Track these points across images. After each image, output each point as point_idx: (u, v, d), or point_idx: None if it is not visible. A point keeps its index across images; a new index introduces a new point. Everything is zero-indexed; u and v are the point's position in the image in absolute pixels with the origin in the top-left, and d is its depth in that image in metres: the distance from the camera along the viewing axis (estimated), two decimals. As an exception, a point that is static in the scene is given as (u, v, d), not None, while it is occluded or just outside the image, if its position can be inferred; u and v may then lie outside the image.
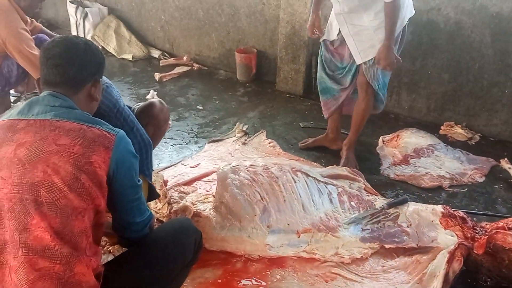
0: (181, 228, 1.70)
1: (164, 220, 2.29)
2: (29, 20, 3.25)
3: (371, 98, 2.83)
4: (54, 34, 3.36)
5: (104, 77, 1.98)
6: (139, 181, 1.48)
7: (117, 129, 1.41)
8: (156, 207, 2.36)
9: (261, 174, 2.40)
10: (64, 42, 1.44)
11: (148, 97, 3.77)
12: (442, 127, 3.43)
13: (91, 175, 1.29)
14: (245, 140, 3.29)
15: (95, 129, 1.34)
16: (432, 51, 3.37)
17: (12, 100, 3.58)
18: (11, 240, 1.23)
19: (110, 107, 1.87)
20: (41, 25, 3.47)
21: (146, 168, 2.06)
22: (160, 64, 4.69)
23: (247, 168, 2.43)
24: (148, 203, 2.21)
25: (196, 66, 4.65)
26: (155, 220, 1.63)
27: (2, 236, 1.25)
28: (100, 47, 4.32)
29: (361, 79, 2.77)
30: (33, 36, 3.12)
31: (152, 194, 2.07)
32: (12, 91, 3.57)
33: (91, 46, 1.48)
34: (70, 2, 5.08)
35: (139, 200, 1.49)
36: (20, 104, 1.44)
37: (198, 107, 3.84)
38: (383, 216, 2.40)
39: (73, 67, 1.41)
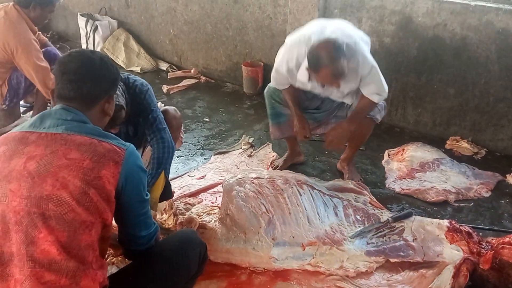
0: (186, 240, 1.70)
1: (170, 229, 2.29)
2: (37, 31, 3.30)
3: (370, 121, 2.68)
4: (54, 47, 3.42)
5: (143, 80, 2.13)
6: (146, 195, 1.48)
7: (127, 144, 1.41)
8: (162, 218, 2.36)
9: (266, 187, 2.41)
10: (80, 58, 1.43)
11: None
12: (448, 142, 3.41)
13: (99, 189, 1.29)
14: (251, 152, 3.30)
15: (106, 143, 1.34)
16: (438, 66, 3.37)
17: (22, 111, 3.63)
18: (17, 253, 1.24)
19: (154, 103, 2.21)
20: (46, 38, 3.53)
21: (169, 166, 2.23)
22: (168, 77, 4.74)
23: (252, 180, 2.43)
24: (153, 214, 2.23)
25: (203, 78, 4.69)
26: (160, 232, 1.63)
27: (9, 248, 1.25)
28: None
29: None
30: (42, 50, 3.17)
31: (167, 194, 2.08)
32: (22, 102, 3.61)
33: (107, 63, 1.47)
34: (81, 15, 5.17)
35: (146, 215, 1.49)
36: (33, 117, 1.43)
37: (205, 119, 3.86)
38: (388, 230, 2.39)
39: (88, 84, 1.41)
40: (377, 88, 2.51)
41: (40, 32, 3.38)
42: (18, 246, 1.24)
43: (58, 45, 5.44)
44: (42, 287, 1.22)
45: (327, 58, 2.22)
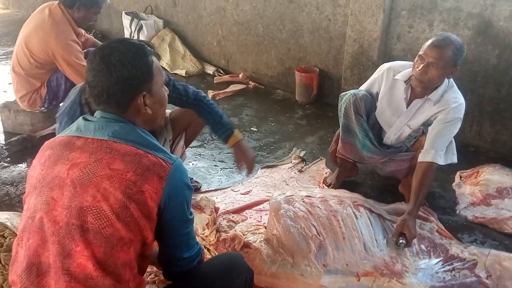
0: (231, 263, 1.70)
1: (211, 248, 2.31)
2: (82, 32, 3.47)
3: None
4: None
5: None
6: (191, 214, 1.50)
7: (174, 157, 1.43)
8: (203, 234, 2.39)
9: (318, 207, 2.38)
10: (100, 60, 1.43)
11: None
12: (531, 165, 3.26)
13: (141, 205, 1.32)
14: (302, 167, 3.28)
15: (152, 155, 1.37)
16: (522, 77, 3.24)
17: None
18: (53, 265, 1.29)
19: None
20: (93, 37, 3.70)
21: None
22: (214, 81, 4.82)
23: (303, 199, 2.42)
24: (195, 228, 2.27)
25: (252, 84, 4.74)
26: (204, 253, 1.65)
27: (47, 259, 1.30)
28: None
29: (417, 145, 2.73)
30: (85, 50, 3.33)
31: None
32: (61, 105, 3.79)
33: (123, 59, 1.43)
34: (126, 13, 5.38)
35: (188, 235, 1.51)
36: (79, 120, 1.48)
37: (252, 128, 3.89)
38: (458, 263, 2.30)
39: (110, 87, 1.41)
40: (448, 148, 2.57)
41: (86, 33, 3.56)
42: (54, 258, 1.29)
43: (101, 45, 5.69)
44: None
45: (444, 40, 2.41)
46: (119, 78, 1.41)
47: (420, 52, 2.45)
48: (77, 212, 1.29)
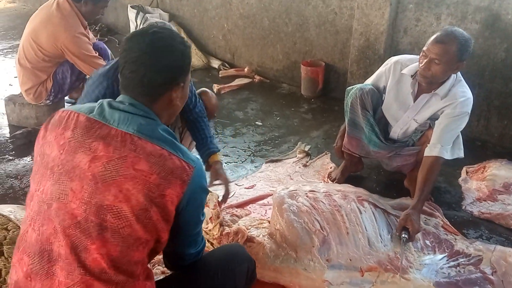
0: (233, 254, 1.71)
1: (214, 242, 2.32)
2: (87, 27, 3.49)
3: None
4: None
5: None
6: (203, 215, 1.50)
7: (195, 159, 1.40)
8: (207, 228, 2.39)
9: (322, 201, 2.38)
10: (141, 44, 1.40)
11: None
12: (538, 160, 3.23)
13: (161, 208, 1.31)
14: (307, 162, 3.27)
15: (175, 157, 1.34)
16: (530, 72, 3.21)
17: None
18: (66, 256, 1.28)
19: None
20: (92, 35, 3.71)
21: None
22: (220, 75, 4.82)
23: (306, 193, 2.41)
24: None
25: (257, 78, 4.73)
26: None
27: (58, 248, 1.29)
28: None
29: (424, 139, 2.70)
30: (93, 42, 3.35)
31: None
32: (67, 98, 3.81)
33: (173, 45, 1.43)
34: (131, 7, 5.38)
35: (197, 234, 1.52)
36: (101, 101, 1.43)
37: (257, 122, 3.89)
38: (463, 259, 2.29)
39: (149, 74, 1.39)
40: (454, 143, 2.55)
41: (92, 28, 3.58)
42: (67, 250, 1.28)
43: (106, 38, 5.71)
44: None
45: (447, 35, 2.39)
46: (166, 65, 1.40)
47: (424, 48, 2.43)
48: (97, 210, 1.27)
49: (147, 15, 5.23)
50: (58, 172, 1.33)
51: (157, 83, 1.40)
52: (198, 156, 2.30)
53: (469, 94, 2.53)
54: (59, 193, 1.31)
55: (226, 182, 2.41)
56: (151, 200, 1.29)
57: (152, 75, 1.39)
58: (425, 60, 2.40)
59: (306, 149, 3.42)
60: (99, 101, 1.43)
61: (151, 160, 1.30)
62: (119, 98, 1.43)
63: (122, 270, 1.29)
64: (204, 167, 1.45)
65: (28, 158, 3.22)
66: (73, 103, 3.95)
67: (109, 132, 1.33)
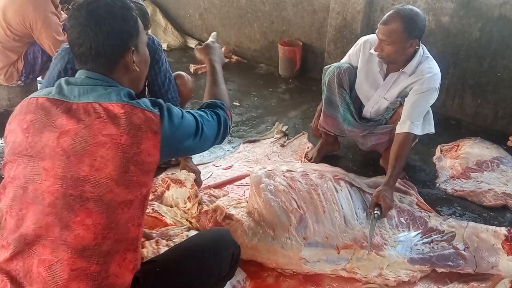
0: (220, 238, 1.73)
1: (193, 221, 2.35)
2: (59, 5, 3.38)
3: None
4: None
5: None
6: (195, 119, 1.50)
7: (158, 103, 1.40)
8: (185, 207, 2.40)
9: (299, 181, 2.39)
10: (85, 12, 1.40)
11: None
12: (510, 138, 3.30)
13: (140, 165, 1.31)
14: (284, 142, 3.29)
15: (139, 110, 1.33)
16: (503, 51, 3.25)
17: (39, 88, 3.73)
18: (48, 234, 1.28)
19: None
20: (65, 15, 3.59)
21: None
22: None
23: (283, 173, 2.43)
24: (176, 202, 2.44)
25: (234, 58, 4.70)
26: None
27: (39, 228, 1.29)
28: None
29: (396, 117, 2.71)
30: (62, 22, 3.24)
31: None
32: (39, 78, 3.72)
33: (117, 10, 1.41)
34: (105, -15, 5.25)
35: (202, 125, 1.52)
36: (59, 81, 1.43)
37: (234, 103, 3.87)
38: (437, 236, 2.34)
39: (98, 41, 1.38)
40: (425, 118, 2.57)
41: (60, 8, 3.46)
42: (50, 228, 1.28)
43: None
44: (72, 273, 1.27)
45: (390, 15, 2.42)
46: (110, 32, 1.38)
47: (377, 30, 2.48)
48: (74, 183, 1.27)
49: (121, -7, 5.12)
50: (28, 155, 1.32)
51: (105, 52, 1.40)
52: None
53: (436, 69, 2.56)
54: (32, 174, 1.31)
55: (197, 174, 2.54)
56: (128, 160, 1.29)
57: (98, 46, 1.39)
58: (377, 42, 2.45)
59: (284, 129, 3.43)
60: (56, 82, 1.42)
61: (117, 122, 1.30)
62: (77, 74, 1.43)
63: (110, 236, 1.29)
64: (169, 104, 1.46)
65: (1, 141, 3.15)
66: (46, 84, 3.87)
67: (71, 107, 1.33)
